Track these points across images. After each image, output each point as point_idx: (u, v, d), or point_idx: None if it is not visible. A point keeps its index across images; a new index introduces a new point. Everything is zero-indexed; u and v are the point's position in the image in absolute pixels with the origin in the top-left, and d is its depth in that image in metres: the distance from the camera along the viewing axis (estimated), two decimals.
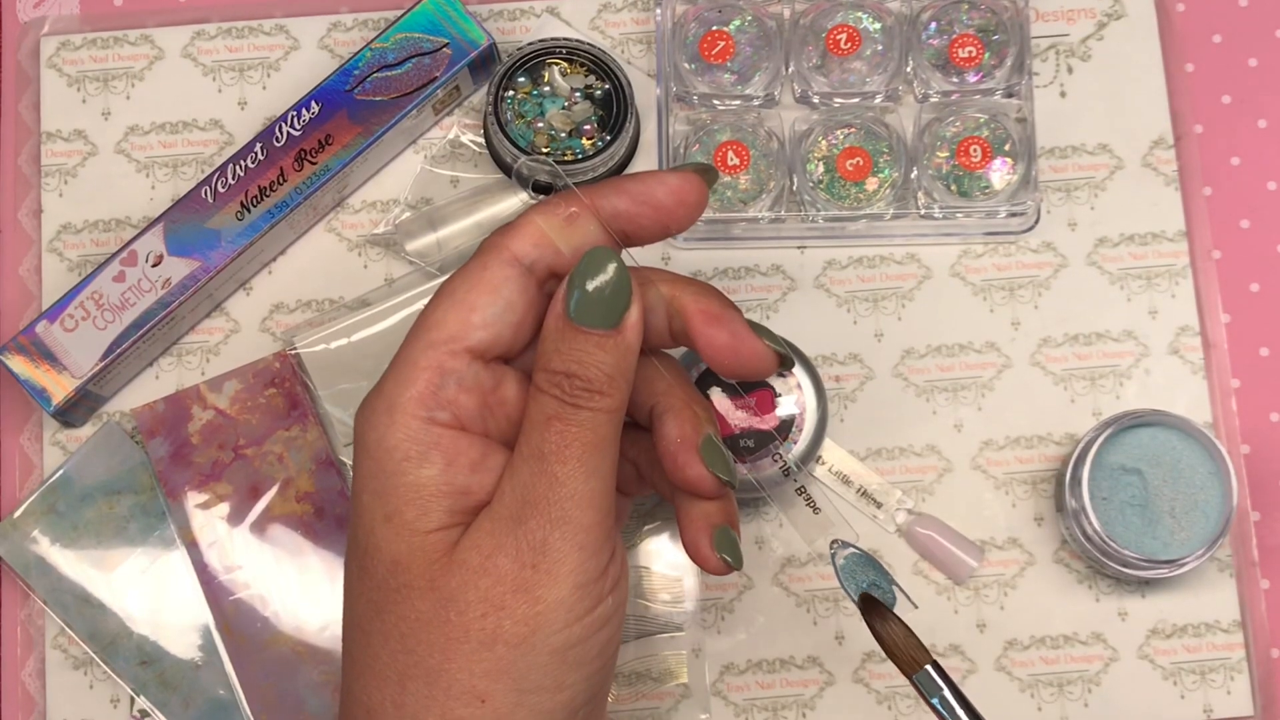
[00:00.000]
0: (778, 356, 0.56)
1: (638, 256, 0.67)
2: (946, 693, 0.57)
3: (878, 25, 0.75)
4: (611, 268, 0.52)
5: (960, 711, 0.56)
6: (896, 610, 0.58)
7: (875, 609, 0.58)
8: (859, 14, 0.75)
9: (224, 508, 0.72)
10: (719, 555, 0.56)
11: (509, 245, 0.53)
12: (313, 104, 0.74)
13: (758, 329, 0.55)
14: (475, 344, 0.53)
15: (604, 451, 0.52)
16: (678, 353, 0.67)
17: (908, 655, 0.57)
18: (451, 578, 0.51)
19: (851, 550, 0.59)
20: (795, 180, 0.74)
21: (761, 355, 0.55)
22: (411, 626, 0.51)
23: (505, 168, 0.75)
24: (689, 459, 0.55)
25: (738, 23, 0.75)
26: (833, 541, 0.59)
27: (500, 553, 0.51)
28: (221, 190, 0.73)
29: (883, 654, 0.58)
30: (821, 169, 0.74)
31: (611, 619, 0.53)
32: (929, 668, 0.57)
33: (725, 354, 0.55)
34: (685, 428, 0.55)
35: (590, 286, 0.52)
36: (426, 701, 0.51)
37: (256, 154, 0.73)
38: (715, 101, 0.75)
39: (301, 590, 0.72)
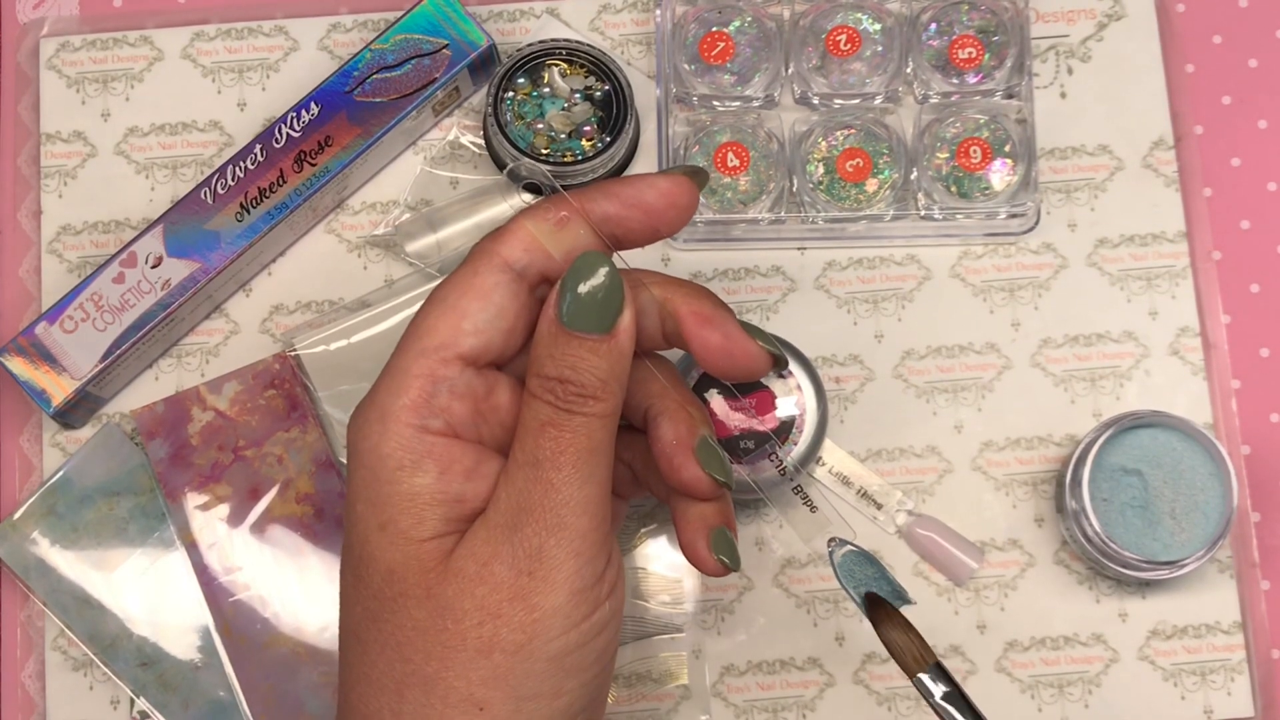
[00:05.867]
0: (771, 357, 0.56)
1: (634, 259, 0.67)
2: (947, 693, 0.57)
3: (877, 26, 0.75)
4: (603, 271, 0.52)
5: (955, 713, 0.56)
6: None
7: (879, 609, 0.58)
8: (859, 15, 0.75)
9: (224, 509, 0.72)
10: (716, 557, 0.56)
11: (499, 250, 0.53)
12: (312, 105, 0.74)
13: (750, 329, 0.55)
14: (467, 351, 0.53)
15: (599, 457, 0.52)
16: (676, 356, 0.67)
17: (910, 656, 0.57)
18: (448, 586, 0.51)
19: (849, 548, 0.59)
20: (795, 181, 0.74)
21: (754, 356, 0.55)
22: (408, 635, 0.51)
23: (504, 169, 0.75)
24: (685, 461, 0.55)
25: (737, 24, 0.75)
26: (830, 539, 0.59)
27: (496, 560, 0.51)
28: (221, 192, 0.73)
29: (884, 655, 0.58)
30: (821, 170, 0.74)
31: (609, 624, 0.53)
32: (931, 669, 0.57)
33: (718, 355, 0.55)
34: (680, 429, 0.55)
35: (582, 291, 0.52)
36: (424, 710, 0.51)
37: (256, 155, 0.73)
38: (715, 103, 0.75)
39: (301, 591, 0.72)
